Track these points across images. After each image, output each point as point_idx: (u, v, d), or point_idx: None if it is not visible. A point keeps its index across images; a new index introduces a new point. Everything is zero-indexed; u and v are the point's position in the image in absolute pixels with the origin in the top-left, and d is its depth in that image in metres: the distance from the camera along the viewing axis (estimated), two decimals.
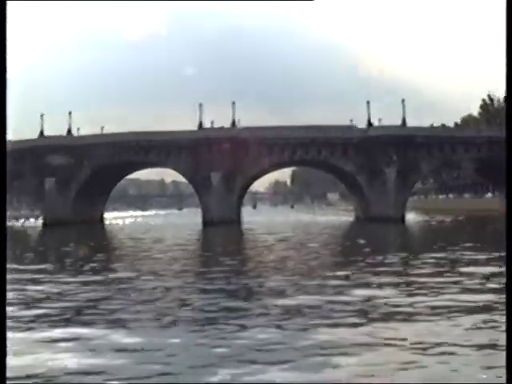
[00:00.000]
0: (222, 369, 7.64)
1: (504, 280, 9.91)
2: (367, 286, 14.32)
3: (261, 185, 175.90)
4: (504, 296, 8.48)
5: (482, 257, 20.03)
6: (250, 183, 67.34)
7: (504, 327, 7.26)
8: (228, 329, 9.88)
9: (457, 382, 7.13)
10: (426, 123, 63.53)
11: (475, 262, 18.53)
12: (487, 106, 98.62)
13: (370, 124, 59.21)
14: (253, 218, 71.42)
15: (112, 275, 17.64)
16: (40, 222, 65.43)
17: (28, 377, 7.45)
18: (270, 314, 11.08)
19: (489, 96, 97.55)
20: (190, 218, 72.86)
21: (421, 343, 8.66)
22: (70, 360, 8.13)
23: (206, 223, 55.83)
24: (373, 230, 44.84)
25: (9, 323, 10.14)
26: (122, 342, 9.16)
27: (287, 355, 8.17)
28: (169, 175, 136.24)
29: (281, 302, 12.42)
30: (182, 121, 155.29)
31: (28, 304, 12.67)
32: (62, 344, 9.08)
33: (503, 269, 11.33)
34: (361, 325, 10.03)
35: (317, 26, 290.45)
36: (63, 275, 17.78)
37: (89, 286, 15.31)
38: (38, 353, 8.56)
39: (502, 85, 64.06)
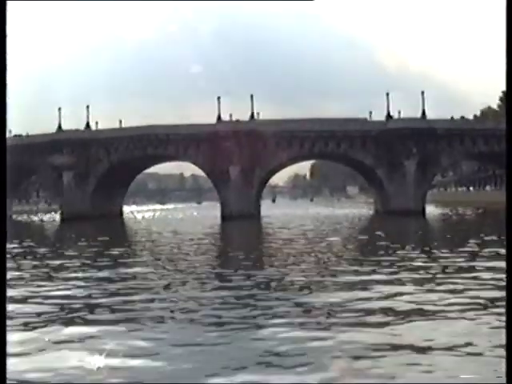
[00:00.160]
0: (237, 372, 7.35)
1: None
2: (390, 282, 13.96)
3: (280, 178, 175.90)
4: None
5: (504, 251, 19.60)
6: (269, 177, 67.02)
7: None
8: (245, 329, 9.57)
9: (457, 382, 6.90)
10: (444, 116, 62.85)
11: (498, 257, 18.09)
12: None
13: (389, 116, 58.72)
14: (272, 211, 71.21)
15: (129, 270, 17.44)
16: (58, 216, 65.50)
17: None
18: (290, 312, 10.75)
19: None
20: (209, 212, 72.84)
21: (447, 343, 8.31)
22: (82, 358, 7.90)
23: (225, 217, 55.61)
24: (393, 223, 44.40)
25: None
26: (136, 341, 8.89)
27: (306, 357, 7.85)
28: (188, 169, 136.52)
29: (301, 299, 12.11)
30: (199, 115, 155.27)
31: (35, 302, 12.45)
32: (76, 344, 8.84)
33: None
34: (384, 324, 9.67)
35: (337, 18, 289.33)
36: (78, 271, 17.60)
37: (104, 282, 15.09)
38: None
39: None
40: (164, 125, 62.04)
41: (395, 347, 8.21)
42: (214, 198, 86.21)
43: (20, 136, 66.04)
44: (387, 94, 59.16)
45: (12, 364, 7.01)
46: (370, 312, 10.59)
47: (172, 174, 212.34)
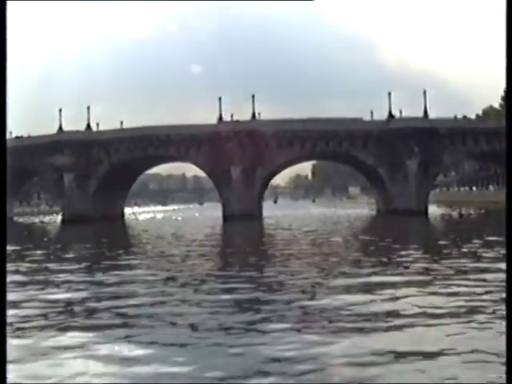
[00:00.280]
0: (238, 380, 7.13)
1: None
2: (393, 285, 13.70)
3: (281, 179, 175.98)
4: None
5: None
6: (271, 177, 66.80)
7: None
8: (246, 335, 9.34)
9: (456, 383, 6.76)
10: (446, 115, 62.63)
11: (503, 258, 17.85)
12: None
13: (391, 116, 58.53)
14: (274, 212, 71.06)
15: (128, 273, 17.24)
16: (59, 218, 65.34)
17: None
18: (292, 317, 10.51)
19: None
20: (211, 213, 72.77)
21: (453, 349, 8.08)
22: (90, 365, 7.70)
23: (226, 218, 55.45)
24: (396, 223, 44.26)
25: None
26: (132, 346, 8.67)
27: (308, 365, 7.62)
28: (190, 170, 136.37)
29: (304, 302, 11.87)
30: (199, 115, 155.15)
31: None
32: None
33: None
34: (390, 329, 9.44)
35: (337, 17, 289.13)
36: (78, 274, 17.41)
37: (102, 286, 14.90)
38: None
39: None
40: (165, 125, 61.87)
41: (400, 353, 7.98)
42: (215, 198, 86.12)
43: (21, 137, 65.87)
44: (389, 94, 59.05)
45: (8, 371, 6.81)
46: (375, 316, 10.34)
47: (174, 174, 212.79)
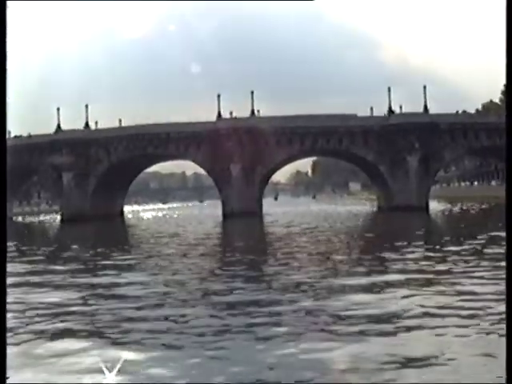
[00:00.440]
0: None
1: None
2: (396, 284, 13.45)
3: (281, 176, 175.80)
4: None
5: None
6: (271, 174, 66.52)
7: None
8: (246, 340, 9.07)
9: (456, 383, 6.60)
10: (446, 110, 62.38)
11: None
12: None
13: (391, 111, 58.32)
14: (274, 209, 70.91)
15: (127, 274, 17.01)
16: (58, 217, 65.16)
17: None
18: (294, 320, 10.21)
19: None
20: (211, 211, 72.61)
21: (453, 357, 7.79)
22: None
23: (226, 215, 55.32)
24: (397, 220, 44.01)
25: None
26: (130, 351, 8.40)
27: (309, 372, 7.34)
28: (190, 168, 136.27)
29: (305, 303, 11.62)
30: (198, 114, 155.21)
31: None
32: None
33: None
34: (395, 333, 9.15)
35: (337, 14, 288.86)
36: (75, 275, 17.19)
37: (100, 288, 14.67)
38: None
39: None
40: (164, 123, 61.67)
41: (404, 358, 7.72)
42: (216, 196, 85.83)
43: (20, 137, 65.66)
44: (389, 89, 58.81)
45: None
46: (378, 318, 10.06)
47: (174, 172, 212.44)
